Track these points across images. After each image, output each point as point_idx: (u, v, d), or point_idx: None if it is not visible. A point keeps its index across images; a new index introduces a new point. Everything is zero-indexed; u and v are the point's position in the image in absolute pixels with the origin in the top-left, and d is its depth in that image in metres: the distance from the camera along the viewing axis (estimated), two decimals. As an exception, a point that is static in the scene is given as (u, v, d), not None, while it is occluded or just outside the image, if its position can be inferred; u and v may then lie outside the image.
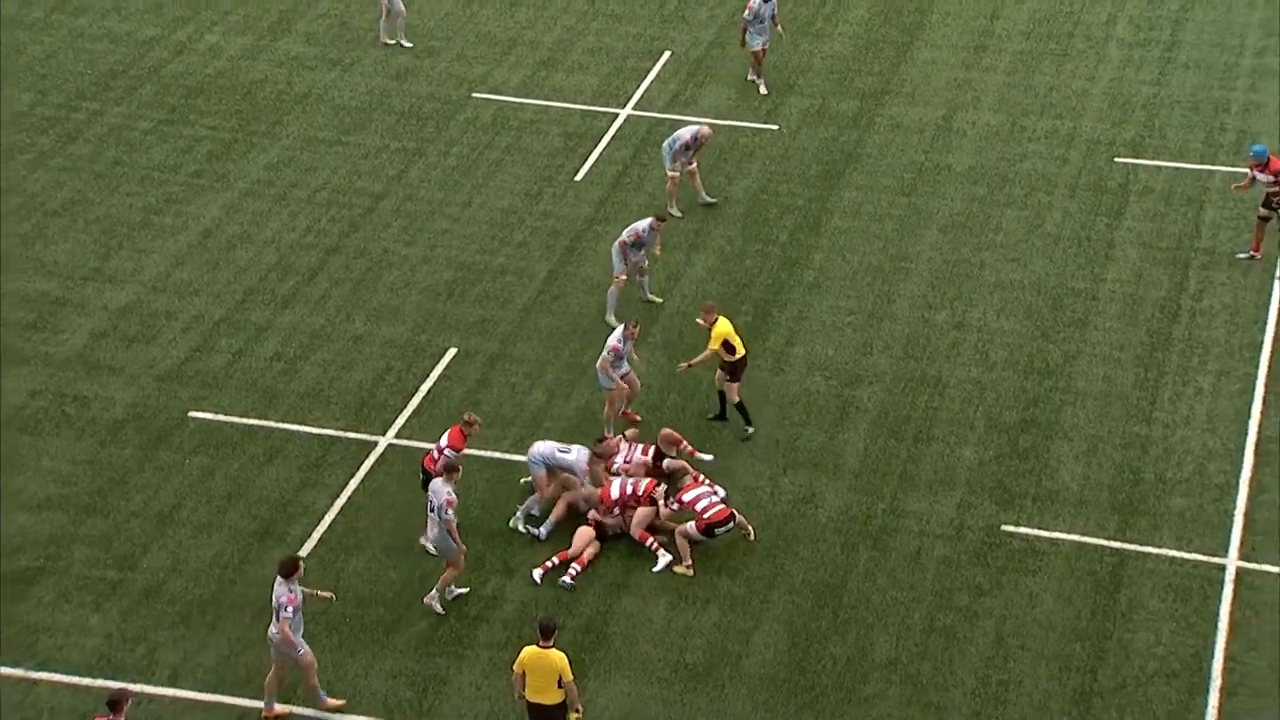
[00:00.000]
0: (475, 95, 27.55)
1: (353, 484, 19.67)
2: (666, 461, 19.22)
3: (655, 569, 18.38)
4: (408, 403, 20.93)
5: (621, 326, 20.09)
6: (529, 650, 15.83)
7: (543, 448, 18.91)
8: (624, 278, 22.09)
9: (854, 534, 18.97)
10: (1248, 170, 23.07)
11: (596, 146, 26.18)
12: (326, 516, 19.20)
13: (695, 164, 24.29)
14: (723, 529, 18.37)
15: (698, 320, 20.47)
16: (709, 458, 19.70)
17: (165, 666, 17.27)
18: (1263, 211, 22.94)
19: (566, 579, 18.19)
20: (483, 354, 21.86)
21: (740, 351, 19.96)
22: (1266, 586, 18.15)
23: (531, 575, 18.28)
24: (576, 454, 18.88)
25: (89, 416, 20.77)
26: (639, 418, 20.44)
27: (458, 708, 16.92)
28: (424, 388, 21.20)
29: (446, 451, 18.22)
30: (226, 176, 25.63)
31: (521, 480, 19.37)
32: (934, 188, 25.09)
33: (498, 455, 19.91)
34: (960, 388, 21.10)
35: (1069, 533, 18.90)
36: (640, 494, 18.63)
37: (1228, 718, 16.71)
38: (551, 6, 30.13)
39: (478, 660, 17.40)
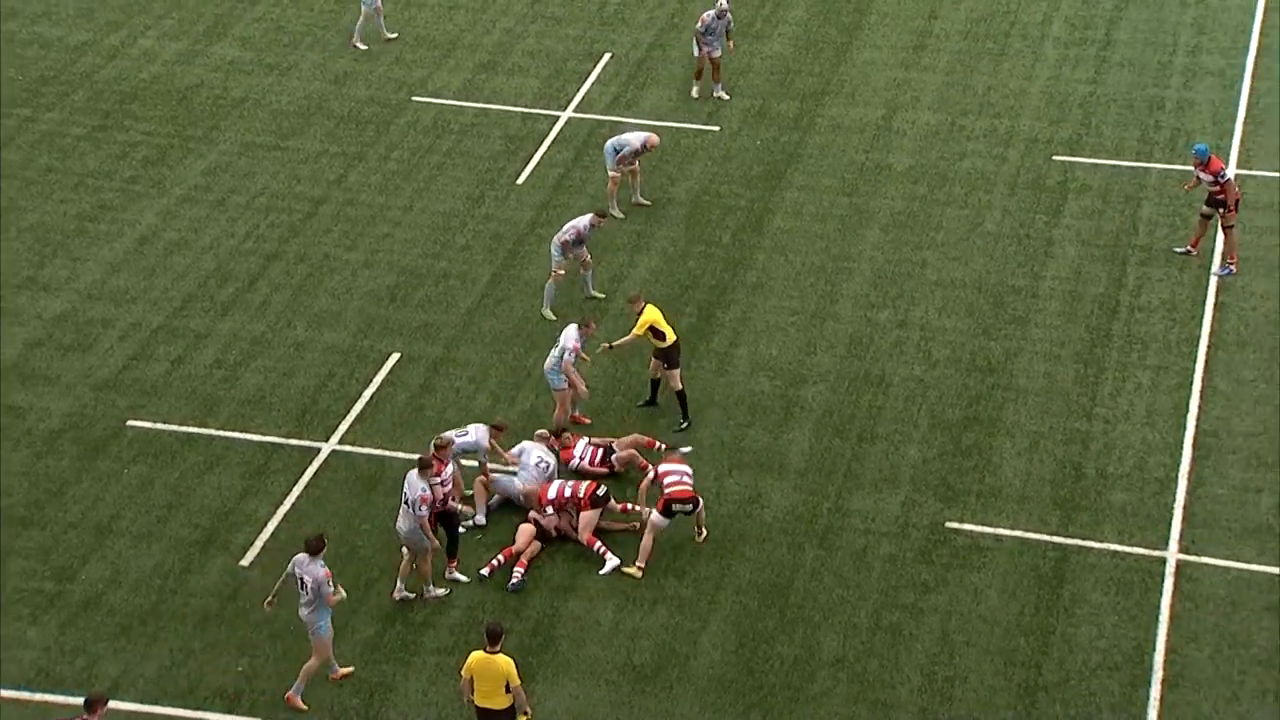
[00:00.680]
0: (415, 99, 27.40)
1: (296, 491, 19.49)
2: (616, 455, 19.28)
3: (602, 571, 18.34)
4: (350, 408, 20.77)
5: (575, 326, 20.05)
6: (476, 655, 15.76)
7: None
8: (563, 272, 22.06)
9: (800, 533, 19.00)
10: (1192, 169, 23.30)
11: (538, 149, 26.10)
12: (269, 524, 19.02)
13: (638, 164, 24.29)
14: (681, 507, 18.27)
15: (629, 306, 20.55)
16: (688, 449, 19.64)
17: (105, 679, 17.04)
18: (1205, 210, 23.19)
19: (515, 580, 18.11)
20: (426, 359, 21.73)
21: (671, 337, 20.03)
22: (1206, 579, 18.35)
23: (479, 574, 18.20)
24: (474, 433, 18.92)
25: (24, 427, 20.46)
26: (588, 420, 20.39)
27: (405, 714, 16.80)
28: (367, 393, 21.05)
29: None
30: (163, 182, 25.35)
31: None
32: (875, 187, 25.21)
33: (442, 460, 19.79)
34: (903, 386, 21.20)
35: (1012, 528, 19.02)
36: (580, 496, 18.58)
37: (1169, 709, 16.87)
38: (490, 9, 30.03)
39: (424, 666, 17.28)
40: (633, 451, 19.47)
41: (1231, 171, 24.77)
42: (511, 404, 20.82)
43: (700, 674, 17.25)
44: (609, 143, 24.20)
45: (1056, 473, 19.80)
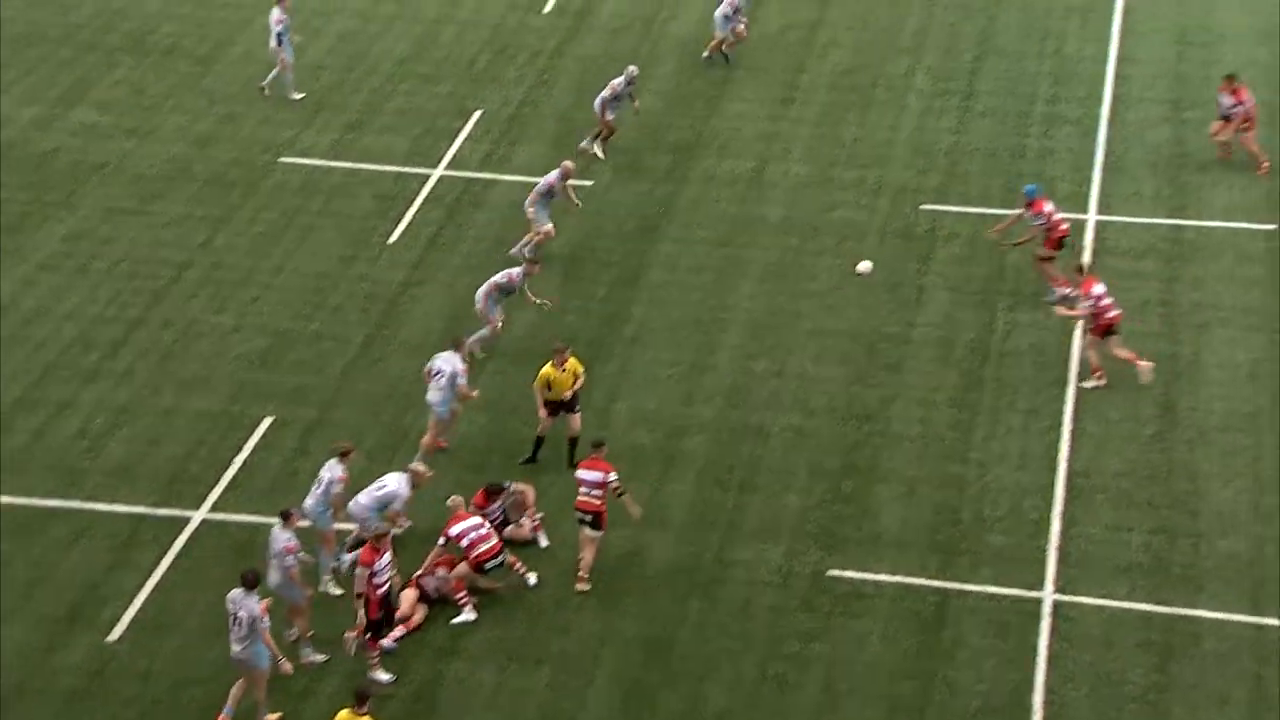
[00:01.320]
0: (282, 159, 27.06)
1: (165, 562, 18.96)
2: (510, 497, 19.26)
3: (454, 620, 18.11)
4: (222, 475, 20.29)
5: (452, 350, 20.22)
6: (343, 715, 15.44)
7: (363, 499, 18.53)
8: (499, 323, 22.09)
9: (683, 586, 18.91)
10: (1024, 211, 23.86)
11: (409, 208, 25.90)
12: (138, 597, 18.46)
13: (533, 212, 24.30)
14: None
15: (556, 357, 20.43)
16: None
17: (-34, 766, 16.35)
18: (1042, 252, 23.74)
19: (387, 641, 17.73)
20: (300, 422, 21.33)
21: (555, 396, 20.17)
22: (1081, 618, 18.58)
23: (384, 648, 17.73)
24: (395, 482, 18.62)
25: (-123, 505, 19.68)
26: (446, 444, 20.29)
27: (283, 789, 16.33)
28: (239, 459, 20.58)
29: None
30: (20, 250, 24.68)
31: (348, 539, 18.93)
32: (749, 238, 25.39)
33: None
34: (782, 435, 21.28)
35: (893, 574, 19.12)
36: (479, 553, 18.41)
37: (1053, 748, 17.01)
38: (358, 67, 29.83)
39: (303, 738, 16.83)
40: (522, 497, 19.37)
41: (1092, 216, 25.40)
42: (388, 465, 20.48)
43: (586, 733, 17.03)
44: (536, 188, 24.20)
45: (934, 517, 19.97)
